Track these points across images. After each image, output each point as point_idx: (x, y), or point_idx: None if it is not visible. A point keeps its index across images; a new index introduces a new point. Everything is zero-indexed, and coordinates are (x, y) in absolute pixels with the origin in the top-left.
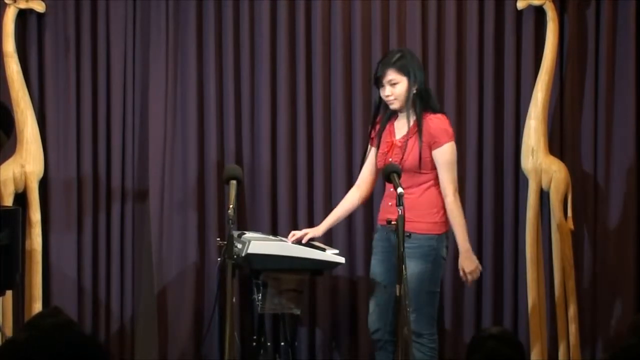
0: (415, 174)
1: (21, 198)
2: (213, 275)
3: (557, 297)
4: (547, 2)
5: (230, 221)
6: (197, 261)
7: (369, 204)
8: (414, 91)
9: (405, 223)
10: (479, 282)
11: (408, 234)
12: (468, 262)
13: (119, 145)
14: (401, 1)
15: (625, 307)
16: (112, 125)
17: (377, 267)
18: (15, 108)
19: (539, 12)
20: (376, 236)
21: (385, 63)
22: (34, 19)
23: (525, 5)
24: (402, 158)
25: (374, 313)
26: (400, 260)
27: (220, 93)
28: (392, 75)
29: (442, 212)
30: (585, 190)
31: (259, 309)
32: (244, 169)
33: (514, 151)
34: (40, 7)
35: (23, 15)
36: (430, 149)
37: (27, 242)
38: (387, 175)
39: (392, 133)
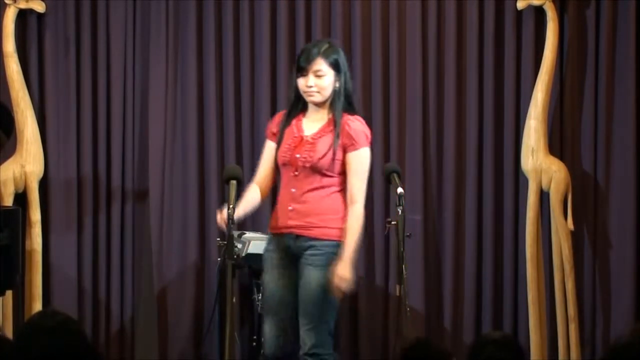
0: (323, 176)
1: (21, 198)
2: (213, 275)
3: (556, 297)
4: (547, 2)
5: (230, 221)
6: (197, 261)
7: (369, 204)
8: (336, 88)
9: (310, 228)
10: (478, 281)
11: (310, 240)
12: (345, 271)
13: (119, 145)
14: (401, 1)
15: (624, 307)
16: (112, 125)
17: (274, 283)
18: (15, 108)
19: (539, 12)
20: (268, 247)
21: (314, 51)
22: (34, 19)
23: (525, 5)
24: (313, 155)
25: (280, 337)
26: (400, 260)
27: (221, 93)
28: (320, 65)
29: (344, 219)
30: (585, 191)
31: (259, 309)
32: (244, 169)
33: (513, 151)
34: (40, 7)
35: (23, 16)
36: (345, 151)
37: (27, 242)
38: (387, 175)
39: (300, 129)
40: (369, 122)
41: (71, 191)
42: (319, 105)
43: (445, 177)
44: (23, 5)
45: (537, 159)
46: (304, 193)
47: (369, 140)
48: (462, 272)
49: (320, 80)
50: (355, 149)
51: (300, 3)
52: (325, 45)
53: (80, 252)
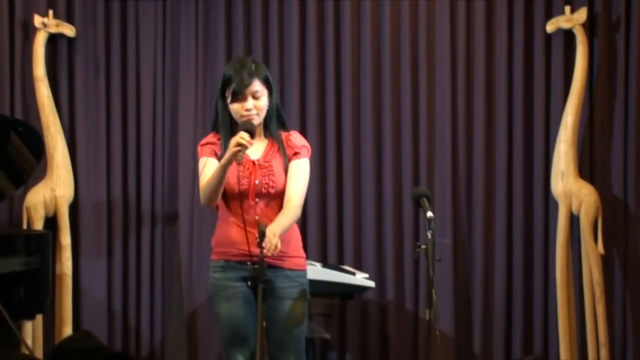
0: (281, 201)
1: (51, 222)
2: None
3: (587, 321)
4: (577, 25)
5: (260, 244)
6: None
7: (399, 228)
8: (271, 105)
9: (284, 259)
10: (508, 305)
11: (284, 270)
12: (271, 231)
13: (149, 169)
14: (430, 24)
15: None
16: (142, 148)
17: (240, 312)
18: (45, 132)
19: (569, 35)
20: (224, 275)
21: (250, 72)
22: (64, 43)
23: (555, 28)
24: (275, 180)
25: None
26: (430, 284)
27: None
28: (257, 86)
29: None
30: (615, 214)
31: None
32: None
33: (543, 175)
34: (70, 32)
35: (53, 40)
36: (289, 161)
37: (58, 266)
38: (416, 199)
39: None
40: (398, 146)
41: (101, 215)
42: (256, 126)
43: (474, 201)
44: (53, 30)
45: (567, 183)
46: (269, 220)
47: (310, 153)
48: (492, 295)
49: (259, 102)
50: (298, 158)
51: (329, 20)
52: (255, 64)
53: (110, 276)
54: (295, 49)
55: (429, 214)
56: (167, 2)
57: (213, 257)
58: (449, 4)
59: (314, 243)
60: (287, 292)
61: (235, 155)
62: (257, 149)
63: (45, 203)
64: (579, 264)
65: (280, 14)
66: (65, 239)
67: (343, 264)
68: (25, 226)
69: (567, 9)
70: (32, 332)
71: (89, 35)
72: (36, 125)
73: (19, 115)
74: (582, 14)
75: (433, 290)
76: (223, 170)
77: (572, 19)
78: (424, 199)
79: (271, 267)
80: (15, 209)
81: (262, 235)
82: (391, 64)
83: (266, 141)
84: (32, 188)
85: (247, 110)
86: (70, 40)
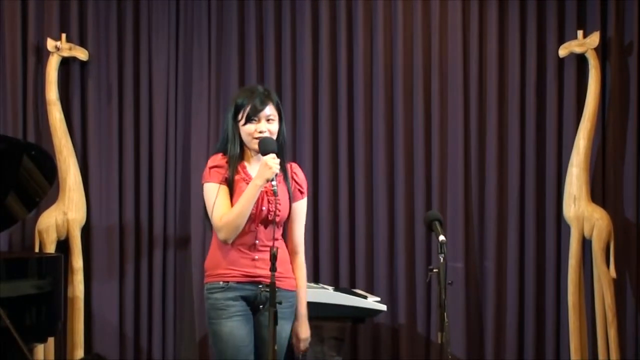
0: (279, 226)
1: (63, 245)
2: None
3: (599, 345)
4: (589, 50)
5: (273, 267)
6: None
7: (411, 252)
8: (279, 133)
9: (281, 279)
10: (520, 329)
11: (281, 291)
12: (305, 328)
13: (161, 192)
14: (443, 47)
15: None
16: (154, 172)
17: (240, 331)
18: (57, 155)
19: (581, 59)
20: (224, 295)
21: (266, 96)
22: (77, 66)
23: (567, 53)
24: (281, 208)
25: None
26: (442, 308)
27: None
28: (272, 110)
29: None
30: (627, 238)
31: (300, 356)
32: None
33: (556, 199)
34: (83, 55)
35: (66, 63)
36: (294, 199)
37: (69, 289)
38: (429, 223)
39: (250, 177)
40: (410, 170)
41: (113, 238)
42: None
43: (486, 225)
44: (66, 54)
45: (579, 207)
46: (266, 244)
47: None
48: (503, 319)
49: (272, 126)
50: (303, 197)
51: (342, 25)
52: (268, 90)
53: (122, 299)
54: (307, 55)
55: (441, 237)
56: (180, 26)
57: (210, 279)
58: (461, 28)
59: (326, 266)
60: (281, 312)
61: (268, 180)
62: None
63: (57, 226)
64: (591, 287)
65: (292, 16)
66: (77, 262)
67: (355, 288)
68: (37, 249)
69: (580, 33)
70: (43, 355)
71: (101, 58)
72: (48, 149)
73: (31, 138)
74: (594, 39)
75: (445, 314)
76: (254, 197)
77: (585, 44)
78: (436, 223)
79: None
80: (28, 232)
81: (274, 258)
82: (403, 91)
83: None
84: (45, 211)
85: (260, 132)
86: (82, 64)
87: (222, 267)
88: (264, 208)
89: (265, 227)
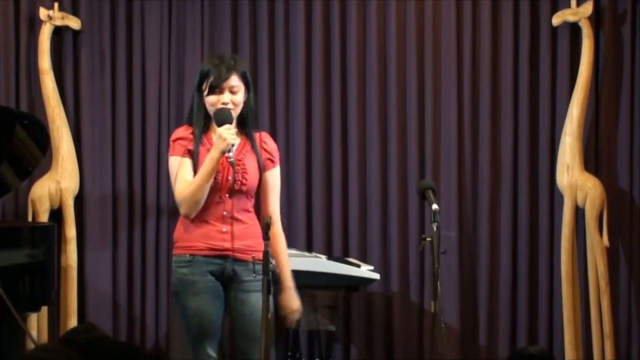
0: (249, 197)
1: (57, 214)
2: None
3: (592, 314)
4: (583, 18)
5: (267, 236)
6: None
7: (404, 221)
8: (246, 102)
9: (250, 252)
10: (513, 298)
11: (250, 264)
12: (295, 300)
13: (154, 160)
14: (436, 16)
15: None
16: (148, 141)
17: (209, 307)
18: (50, 125)
19: (575, 28)
20: (191, 270)
21: (229, 66)
22: (69, 36)
23: (561, 21)
24: (248, 178)
25: None
26: (435, 277)
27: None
28: (236, 81)
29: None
30: (620, 207)
31: (293, 327)
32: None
33: (549, 168)
34: (75, 24)
35: (59, 33)
36: (264, 169)
37: (63, 258)
38: (422, 191)
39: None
40: (404, 139)
41: (106, 207)
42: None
43: (480, 194)
44: (59, 23)
45: (572, 176)
46: (235, 216)
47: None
48: (497, 288)
49: (236, 96)
50: (275, 167)
51: (335, 22)
52: (234, 60)
53: (116, 268)
54: (301, 48)
55: (435, 206)
56: None
57: (177, 251)
58: None
59: (319, 235)
60: (253, 285)
61: (224, 152)
62: None
63: (50, 195)
64: (584, 256)
65: (286, 14)
66: (71, 231)
67: (348, 256)
68: (30, 218)
69: (573, 2)
70: (37, 324)
71: (94, 27)
72: (41, 118)
73: (24, 107)
74: (588, 7)
75: (438, 283)
76: (213, 169)
77: (578, 12)
78: (430, 192)
79: (238, 260)
80: (21, 201)
81: (267, 227)
82: (397, 57)
83: (239, 139)
84: (38, 180)
85: (223, 103)
86: (75, 33)
87: (189, 240)
88: (229, 177)
89: (236, 200)
